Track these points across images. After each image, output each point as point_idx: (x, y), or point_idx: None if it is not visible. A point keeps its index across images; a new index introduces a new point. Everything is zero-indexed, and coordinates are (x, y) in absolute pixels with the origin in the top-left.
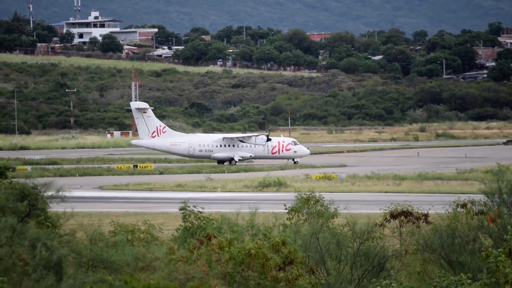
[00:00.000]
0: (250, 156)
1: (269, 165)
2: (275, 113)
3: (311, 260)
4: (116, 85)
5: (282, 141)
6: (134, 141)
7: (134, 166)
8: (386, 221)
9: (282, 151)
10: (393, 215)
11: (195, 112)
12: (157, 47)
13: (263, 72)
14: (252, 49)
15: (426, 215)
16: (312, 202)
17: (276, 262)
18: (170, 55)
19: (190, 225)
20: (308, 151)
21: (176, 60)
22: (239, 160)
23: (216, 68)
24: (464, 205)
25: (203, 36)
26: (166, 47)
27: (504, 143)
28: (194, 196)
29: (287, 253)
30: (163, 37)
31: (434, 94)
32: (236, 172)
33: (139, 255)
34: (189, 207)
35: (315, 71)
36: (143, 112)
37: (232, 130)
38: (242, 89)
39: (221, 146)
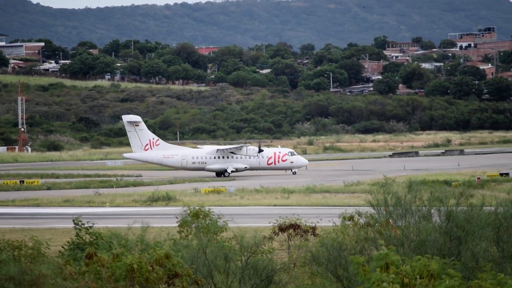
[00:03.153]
0: (245, 167)
1: (158, 179)
2: (164, 127)
3: (198, 274)
4: (2, 99)
5: (278, 152)
6: (126, 154)
7: (20, 181)
8: (275, 234)
9: (278, 161)
10: (282, 228)
11: (83, 127)
12: (44, 61)
13: (151, 86)
14: (140, 63)
15: (314, 228)
16: (201, 216)
17: (160, 275)
18: (57, 69)
19: (79, 240)
20: (306, 161)
21: (64, 74)
22: (232, 171)
23: (104, 82)
24: (351, 218)
25: (90, 50)
26: (53, 61)
27: (390, 156)
28: (82, 211)
29: (171, 266)
30: (50, 51)
31: (322, 107)
32: (125, 186)
33: (25, 270)
34: (81, 222)
35: (203, 84)
36: (136, 125)
37: (120, 144)
38: (131, 103)
39: (215, 158)
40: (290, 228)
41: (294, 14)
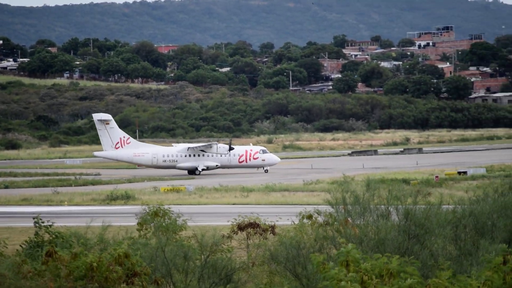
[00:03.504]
0: (216, 165)
1: (117, 178)
2: (123, 126)
3: (157, 273)
4: None
5: (250, 149)
6: (96, 153)
7: None
8: (234, 233)
9: (250, 159)
10: (241, 227)
11: (41, 125)
12: (1, 60)
13: (110, 84)
14: (99, 61)
15: (273, 227)
16: (160, 215)
17: (119, 274)
18: (15, 68)
19: (38, 239)
20: (278, 159)
21: (22, 73)
22: (203, 169)
23: (63, 81)
24: (310, 216)
25: (49, 48)
26: (11, 59)
27: (349, 154)
28: (40, 210)
29: (130, 265)
30: (8, 49)
31: (281, 106)
32: (84, 185)
33: None
34: (41, 220)
35: (163, 83)
36: (106, 124)
37: (79, 143)
38: (90, 102)
39: (185, 156)
40: (249, 227)
41: (254, 12)
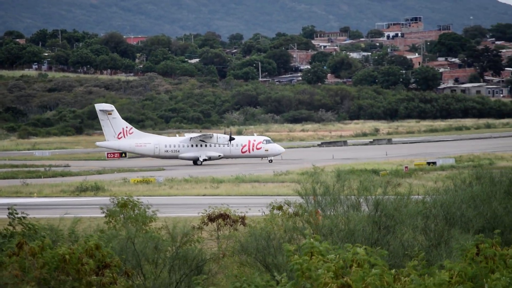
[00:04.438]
0: (219, 155)
1: (86, 170)
2: (92, 117)
3: (128, 264)
4: None
5: (253, 140)
6: (99, 143)
7: None
8: (204, 224)
9: (253, 149)
10: (211, 218)
11: (10, 117)
12: None
13: (79, 75)
14: (68, 52)
15: (243, 218)
16: (129, 207)
17: (91, 266)
18: None
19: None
20: (282, 149)
21: None
22: (205, 160)
23: (31, 72)
24: (280, 207)
25: (17, 40)
26: None
27: (319, 145)
28: (9, 202)
29: (101, 257)
30: None
31: (251, 97)
32: (53, 177)
33: None
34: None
35: (132, 74)
36: (108, 114)
37: (48, 134)
38: (58, 93)
39: (188, 146)
40: (219, 218)
41: (223, 3)
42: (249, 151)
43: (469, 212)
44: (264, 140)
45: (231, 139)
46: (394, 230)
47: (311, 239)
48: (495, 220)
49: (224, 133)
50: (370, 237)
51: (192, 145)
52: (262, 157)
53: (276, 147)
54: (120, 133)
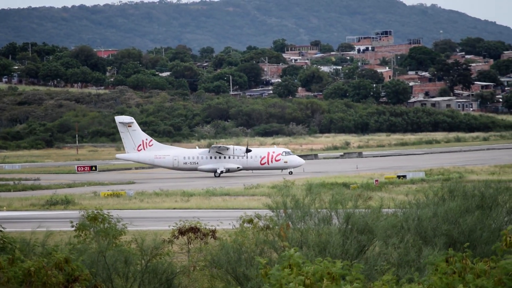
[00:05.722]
0: (238, 167)
1: (56, 183)
2: (63, 130)
3: (98, 278)
4: None
5: (272, 151)
6: (119, 155)
7: None
8: (175, 238)
9: (272, 161)
10: (182, 232)
11: None
12: None
13: (50, 89)
14: (38, 65)
15: (214, 231)
16: (99, 220)
17: (59, 280)
18: None
19: None
20: (302, 161)
21: None
22: (222, 172)
23: (1, 85)
24: (250, 221)
25: None
26: None
27: None
28: None
29: (70, 270)
30: None
31: (222, 110)
32: (23, 190)
33: None
34: None
35: (102, 87)
36: (128, 126)
37: (18, 148)
38: (28, 106)
39: (207, 158)
40: (190, 231)
41: (193, 17)
42: (268, 163)
43: (444, 226)
44: (283, 152)
45: (247, 150)
46: (366, 244)
47: (289, 251)
48: (469, 234)
49: (241, 145)
50: (342, 251)
51: (211, 157)
52: (281, 168)
53: (295, 159)
54: (140, 145)
